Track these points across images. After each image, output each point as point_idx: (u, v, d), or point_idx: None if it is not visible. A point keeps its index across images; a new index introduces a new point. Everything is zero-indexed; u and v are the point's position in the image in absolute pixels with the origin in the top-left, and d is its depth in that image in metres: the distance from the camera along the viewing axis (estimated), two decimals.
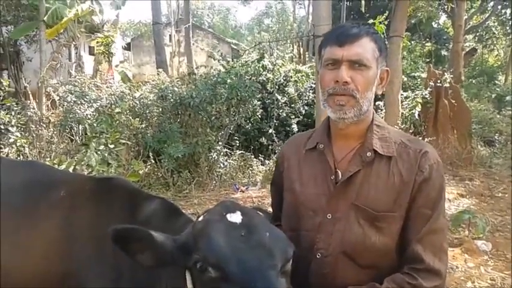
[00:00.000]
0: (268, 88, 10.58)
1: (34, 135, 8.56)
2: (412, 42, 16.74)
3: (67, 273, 1.61)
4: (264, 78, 10.52)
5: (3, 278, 1.63)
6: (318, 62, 1.69)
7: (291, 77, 11.32)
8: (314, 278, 1.49)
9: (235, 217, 1.27)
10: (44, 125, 9.31)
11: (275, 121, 10.32)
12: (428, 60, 17.00)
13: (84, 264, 1.61)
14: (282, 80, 11.09)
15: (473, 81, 21.71)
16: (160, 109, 8.56)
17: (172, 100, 8.35)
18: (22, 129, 8.54)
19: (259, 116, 9.70)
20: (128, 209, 1.71)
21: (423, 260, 1.40)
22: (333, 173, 1.51)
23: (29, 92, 13.42)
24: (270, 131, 10.12)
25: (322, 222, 1.49)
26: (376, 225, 1.44)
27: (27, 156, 7.47)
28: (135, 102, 8.61)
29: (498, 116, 14.46)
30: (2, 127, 7.84)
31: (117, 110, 8.13)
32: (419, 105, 9.58)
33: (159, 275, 1.50)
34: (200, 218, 1.34)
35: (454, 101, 9.70)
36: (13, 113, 8.61)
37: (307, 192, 1.55)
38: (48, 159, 7.20)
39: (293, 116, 10.78)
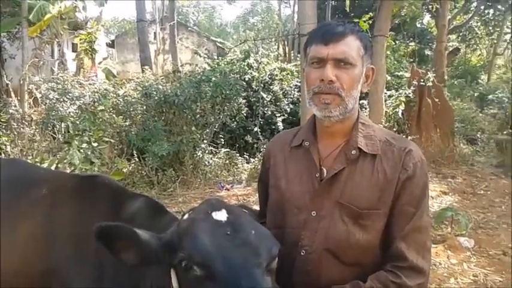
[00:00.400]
0: (253, 86, 10.59)
1: (16, 133, 8.42)
2: (396, 41, 16.81)
3: (47, 271, 1.59)
4: (249, 77, 10.54)
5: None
6: (303, 60, 1.68)
7: (276, 75, 11.35)
8: (298, 275, 1.49)
9: (221, 215, 1.26)
10: (26, 123, 9.16)
11: (260, 119, 10.33)
12: (412, 59, 17.08)
13: (66, 263, 1.59)
14: (267, 79, 11.10)
15: (456, 80, 21.89)
16: (145, 107, 8.50)
17: (156, 98, 8.30)
18: (3, 127, 8.42)
19: (244, 114, 9.72)
20: (112, 207, 1.69)
21: (407, 257, 1.40)
22: (318, 170, 1.51)
23: (11, 90, 13.17)
24: (255, 129, 10.13)
25: (307, 220, 1.49)
26: (360, 223, 1.44)
27: (8, 155, 7.36)
28: (119, 100, 8.54)
29: (480, 115, 14.64)
30: None
31: (101, 107, 8.06)
32: (403, 104, 9.65)
33: (144, 274, 1.49)
34: (185, 216, 1.33)
35: (437, 100, 9.80)
36: None
37: (292, 190, 1.55)
38: (30, 157, 7.11)
39: (278, 114, 10.81)
